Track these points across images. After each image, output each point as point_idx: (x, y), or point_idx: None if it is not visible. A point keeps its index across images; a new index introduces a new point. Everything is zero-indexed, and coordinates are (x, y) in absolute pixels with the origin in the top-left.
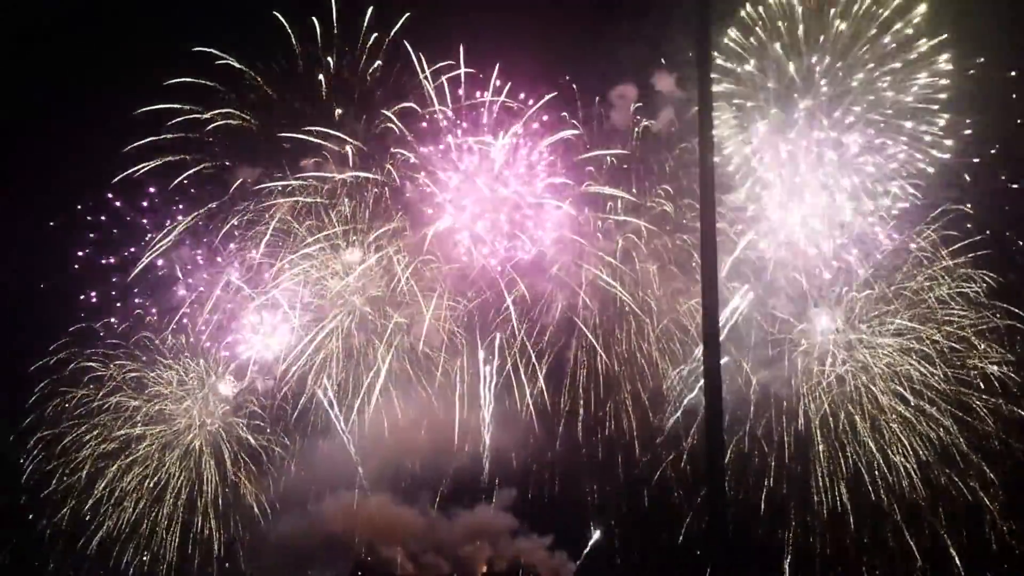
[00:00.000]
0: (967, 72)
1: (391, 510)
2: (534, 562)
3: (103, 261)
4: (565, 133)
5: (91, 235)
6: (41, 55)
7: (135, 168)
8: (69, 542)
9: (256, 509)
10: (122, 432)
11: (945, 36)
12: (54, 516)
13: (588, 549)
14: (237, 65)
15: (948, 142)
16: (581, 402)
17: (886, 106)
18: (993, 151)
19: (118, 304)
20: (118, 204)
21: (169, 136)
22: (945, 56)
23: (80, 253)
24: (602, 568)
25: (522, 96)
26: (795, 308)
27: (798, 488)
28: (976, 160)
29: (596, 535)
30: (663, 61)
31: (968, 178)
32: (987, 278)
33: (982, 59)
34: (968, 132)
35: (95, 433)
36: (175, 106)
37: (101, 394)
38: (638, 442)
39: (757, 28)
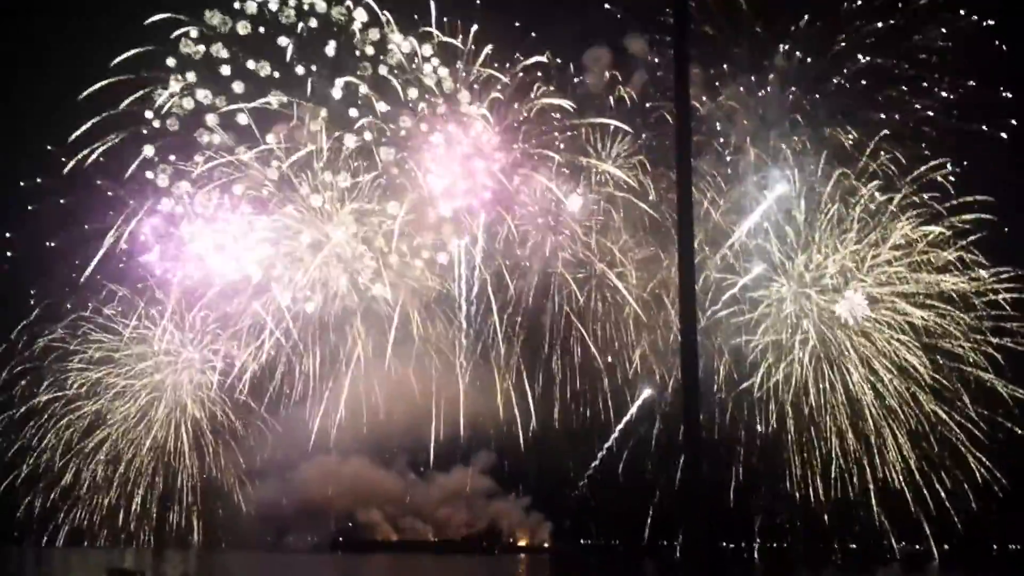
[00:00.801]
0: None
1: (368, 475)
2: (512, 524)
3: (67, 236)
4: (542, 101)
5: (55, 209)
6: None
7: (97, 144)
8: (41, 525)
9: (234, 478)
10: (93, 408)
11: None
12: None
13: (636, 409)
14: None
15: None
16: (556, 370)
17: (869, 69)
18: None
19: (86, 280)
20: (90, 179)
21: (130, 109)
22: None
23: (42, 230)
24: (579, 527)
25: (496, 64)
26: (764, 275)
27: (768, 457)
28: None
29: (646, 391)
30: (638, 25)
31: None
32: (959, 243)
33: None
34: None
35: (63, 413)
36: (144, 75)
37: (70, 372)
38: (612, 409)
39: None
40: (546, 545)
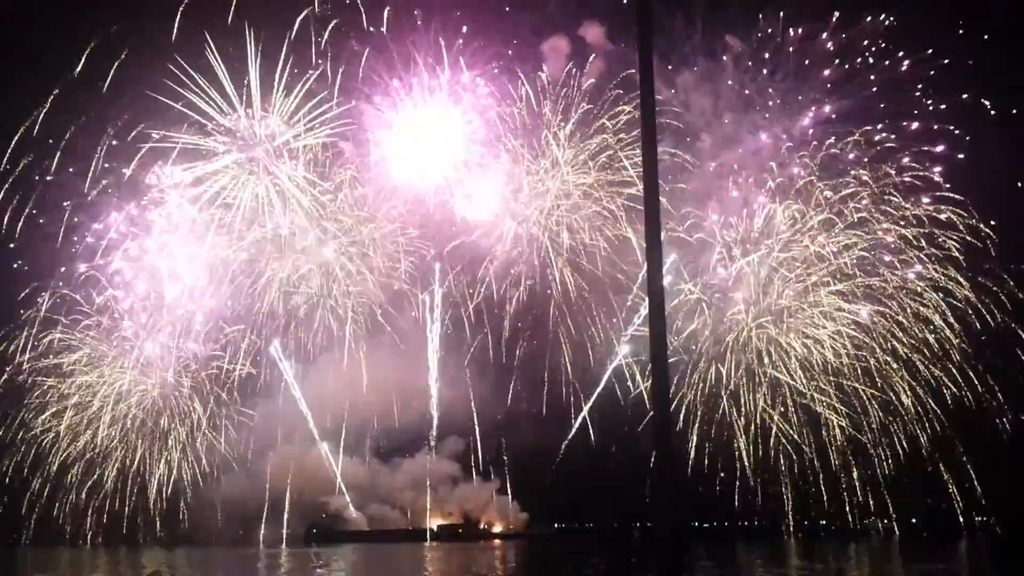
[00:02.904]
0: None
1: (336, 464)
2: (480, 507)
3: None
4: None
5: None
6: None
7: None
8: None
9: (200, 471)
10: (54, 409)
11: None
12: None
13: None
14: None
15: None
16: (520, 351)
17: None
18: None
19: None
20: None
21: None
22: None
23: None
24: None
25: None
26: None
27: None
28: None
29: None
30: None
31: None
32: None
33: None
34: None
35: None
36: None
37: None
38: (581, 395)
39: None
40: (518, 530)
